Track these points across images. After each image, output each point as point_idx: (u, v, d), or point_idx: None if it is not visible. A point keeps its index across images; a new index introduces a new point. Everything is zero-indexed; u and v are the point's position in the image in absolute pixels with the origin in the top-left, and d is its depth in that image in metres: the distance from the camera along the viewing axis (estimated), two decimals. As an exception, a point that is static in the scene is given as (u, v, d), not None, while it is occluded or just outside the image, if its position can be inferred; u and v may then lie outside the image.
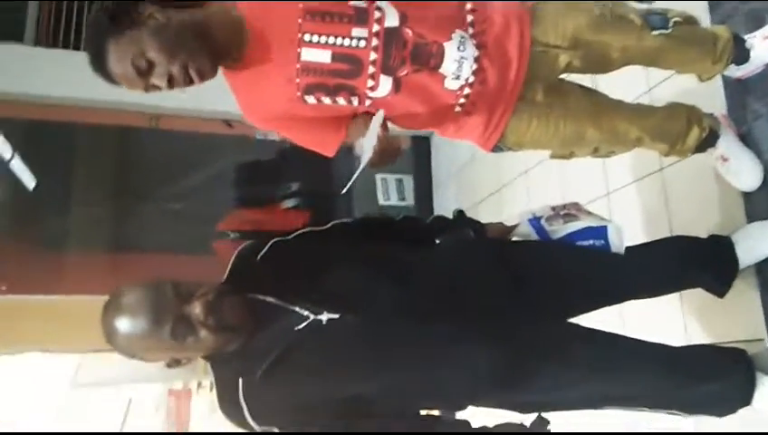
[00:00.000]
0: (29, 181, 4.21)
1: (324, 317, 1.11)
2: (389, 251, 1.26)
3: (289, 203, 4.20)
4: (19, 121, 3.99)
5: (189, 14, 1.17)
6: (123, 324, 1.05)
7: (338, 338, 1.12)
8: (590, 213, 1.48)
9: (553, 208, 1.48)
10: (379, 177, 4.15)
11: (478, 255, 1.30)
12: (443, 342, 1.16)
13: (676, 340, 1.78)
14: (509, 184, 3.06)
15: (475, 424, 1.25)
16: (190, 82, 1.15)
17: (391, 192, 4.11)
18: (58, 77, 3.27)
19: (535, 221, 1.42)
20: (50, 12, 3.59)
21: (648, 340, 1.37)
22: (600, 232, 1.38)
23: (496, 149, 1.39)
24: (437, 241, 1.35)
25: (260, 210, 4.19)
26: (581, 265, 1.33)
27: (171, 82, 1.15)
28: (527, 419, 1.26)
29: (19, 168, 4.15)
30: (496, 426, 1.24)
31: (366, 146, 1.15)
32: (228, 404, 1.14)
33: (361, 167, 1.16)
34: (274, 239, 1.25)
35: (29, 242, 4.09)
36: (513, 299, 1.24)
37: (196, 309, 1.05)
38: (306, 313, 1.12)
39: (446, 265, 1.26)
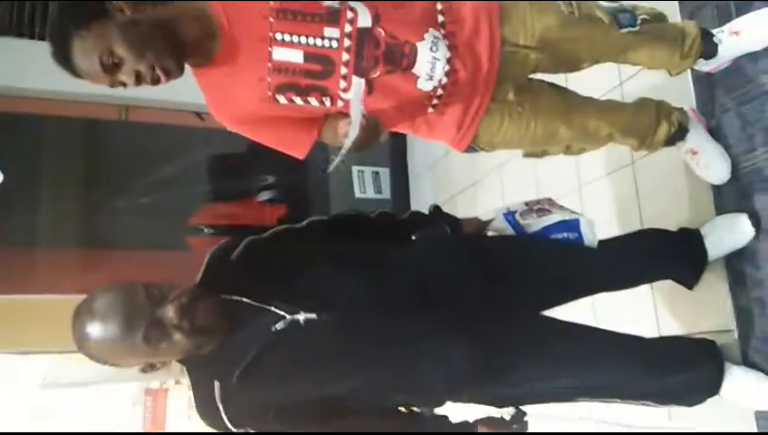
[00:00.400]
0: (-5, 177, 4.10)
1: (301, 317, 1.10)
2: (365, 248, 1.25)
3: (264, 196, 4.16)
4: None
5: (159, 11, 1.15)
6: (94, 331, 1.02)
7: (315, 338, 1.11)
8: (562, 207, 1.50)
9: (527, 204, 1.49)
10: (355, 169, 4.12)
11: (453, 250, 1.30)
12: (419, 338, 1.17)
13: (648, 331, 1.82)
14: (484, 178, 3.08)
15: (454, 419, 1.26)
16: (158, 80, 1.13)
17: (368, 185, 4.10)
18: (24, 68, 3.18)
19: (510, 216, 1.42)
20: (13, 1, 3.48)
21: (621, 331, 1.40)
22: (573, 225, 1.39)
23: (469, 149, 1.40)
24: (413, 237, 1.35)
25: (234, 204, 4.13)
26: (555, 258, 1.34)
27: (138, 80, 1.12)
28: (504, 412, 1.28)
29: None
30: (477, 420, 1.25)
31: (353, 119, 1.11)
32: (205, 407, 1.13)
33: (348, 144, 1.13)
34: (249, 238, 1.23)
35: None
36: (488, 294, 1.24)
37: (170, 312, 1.03)
38: (282, 313, 1.11)
39: (421, 261, 1.26)
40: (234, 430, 1.12)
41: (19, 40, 3.41)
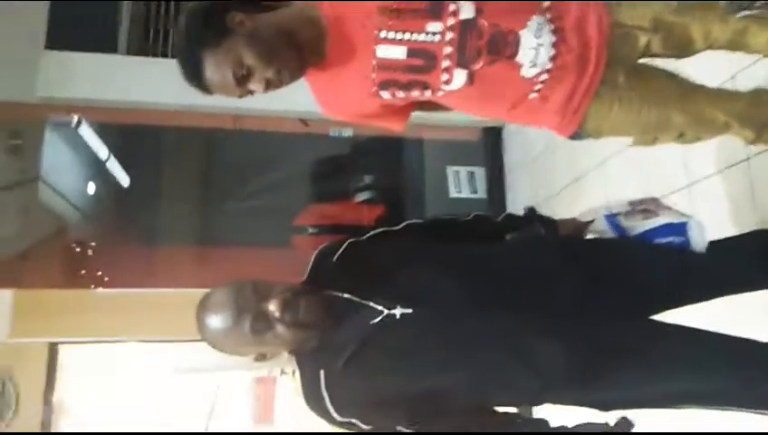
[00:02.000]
0: (123, 180, 4.55)
1: (398, 312, 1.16)
2: (460, 249, 1.29)
3: (362, 196, 4.29)
4: (114, 126, 4.30)
5: (276, 18, 1.21)
6: (210, 322, 1.16)
7: (411, 332, 1.17)
8: (669, 208, 1.43)
9: (630, 204, 1.43)
10: (450, 169, 4.14)
11: (547, 250, 1.30)
12: (512, 336, 1.18)
13: (763, 335, 1.70)
14: (585, 176, 2.99)
15: (555, 423, 1.25)
16: (282, 84, 1.20)
17: (463, 185, 4.10)
18: (149, 84, 3.51)
19: (611, 218, 1.39)
20: (140, 23, 3.85)
21: (734, 335, 1.33)
22: (680, 229, 1.33)
23: (575, 136, 1.34)
24: (507, 238, 1.36)
25: (335, 205, 4.30)
26: (659, 263, 1.30)
27: (268, 87, 1.19)
28: (609, 418, 1.25)
29: (114, 168, 4.49)
30: (576, 426, 1.23)
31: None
32: (311, 396, 1.21)
33: None
34: (350, 240, 1.31)
35: (125, 238, 4.42)
36: (586, 296, 1.23)
37: (272, 306, 1.14)
38: (380, 308, 1.17)
39: (515, 261, 1.27)
40: (338, 418, 1.19)
41: (145, 58, 3.77)
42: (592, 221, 1.44)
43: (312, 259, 1.33)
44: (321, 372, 1.20)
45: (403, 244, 1.32)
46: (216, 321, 1.16)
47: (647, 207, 1.42)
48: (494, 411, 1.27)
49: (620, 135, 1.38)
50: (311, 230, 4.04)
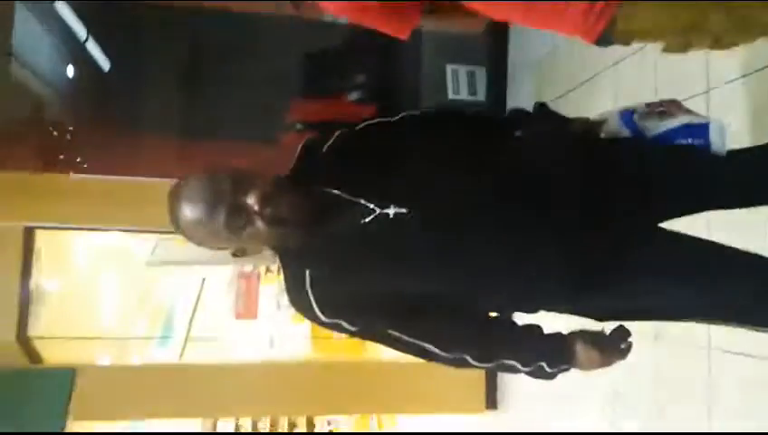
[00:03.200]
0: (104, 63, 4.28)
1: (391, 211, 1.06)
2: (461, 145, 1.16)
3: (354, 95, 4.10)
4: (93, 4, 3.99)
5: None
6: (182, 212, 1.04)
7: (405, 232, 1.07)
8: (689, 111, 1.31)
9: (648, 105, 1.31)
10: (449, 68, 3.92)
11: (559, 151, 1.18)
12: (517, 243, 1.09)
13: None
14: (594, 79, 2.81)
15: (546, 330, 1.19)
16: None
17: (462, 86, 3.90)
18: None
19: (627, 115, 1.26)
20: None
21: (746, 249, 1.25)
22: (701, 130, 1.22)
23: (601, 40, 1.19)
24: (516, 135, 1.23)
25: (326, 101, 4.11)
26: (676, 165, 1.20)
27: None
28: (604, 327, 1.19)
29: (94, 50, 4.21)
30: (571, 332, 1.17)
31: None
32: (296, 295, 1.13)
33: None
34: (341, 130, 1.18)
35: (105, 125, 4.22)
36: (596, 199, 1.13)
37: (251, 199, 1.03)
38: (372, 205, 1.07)
39: (523, 160, 1.16)
40: (324, 319, 1.12)
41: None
42: (605, 121, 1.32)
43: (299, 151, 1.20)
44: (307, 272, 1.11)
45: (400, 136, 1.18)
46: (187, 211, 1.03)
47: (665, 108, 1.30)
48: (486, 315, 1.21)
49: (652, 38, 1.22)
50: (299, 126, 3.87)
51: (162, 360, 4.13)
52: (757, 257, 1.24)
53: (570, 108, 2.90)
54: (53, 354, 3.59)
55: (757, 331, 1.29)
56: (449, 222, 1.08)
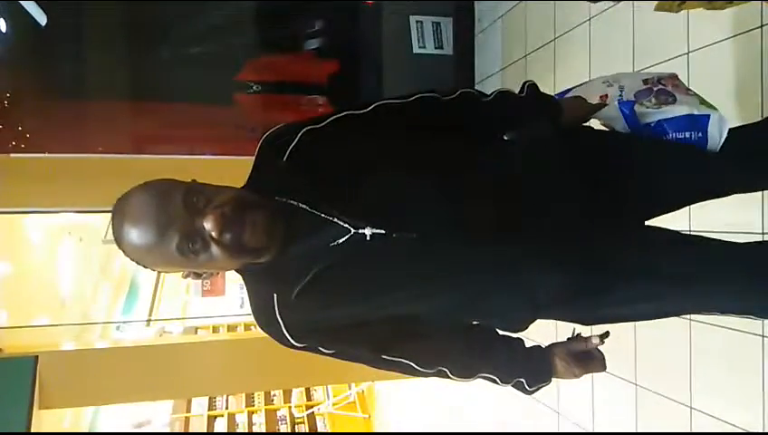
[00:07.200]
0: (40, 18, 3.89)
1: (368, 232, 0.94)
2: (445, 150, 1.03)
3: (311, 45, 3.85)
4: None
5: None
6: (128, 234, 0.89)
7: (382, 255, 0.96)
8: (688, 91, 1.22)
9: (645, 81, 1.22)
10: (413, 19, 3.71)
11: (554, 158, 1.07)
12: (502, 262, 1.00)
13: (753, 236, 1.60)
14: (567, 33, 2.67)
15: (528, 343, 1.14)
16: None
17: (427, 38, 3.70)
18: None
19: (627, 106, 1.17)
20: None
21: (736, 241, 1.20)
22: (701, 123, 1.14)
23: None
24: (506, 138, 1.11)
25: (282, 57, 3.86)
26: (671, 168, 1.14)
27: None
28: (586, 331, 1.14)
29: (29, 4, 3.81)
30: (551, 345, 1.14)
31: None
32: (264, 319, 1.02)
33: None
34: (306, 128, 1.03)
35: (45, 90, 3.90)
36: (591, 209, 1.05)
37: (208, 223, 0.88)
38: (345, 225, 0.94)
39: (514, 175, 1.04)
40: (297, 344, 1.02)
41: None
42: (602, 106, 1.21)
43: (258, 152, 1.05)
44: (275, 296, 0.99)
45: (373, 136, 1.03)
46: (134, 234, 0.88)
47: (664, 86, 1.20)
48: (468, 328, 1.13)
49: None
50: (255, 87, 3.64)
51: (127, 341, 4.00)
52: (747, 250, 1.19)
53: (540, 65, 2.80)
54: (13, 343, 3.42)
55: (742, 317, 1.25)
56: (429, 245, 0.96)
